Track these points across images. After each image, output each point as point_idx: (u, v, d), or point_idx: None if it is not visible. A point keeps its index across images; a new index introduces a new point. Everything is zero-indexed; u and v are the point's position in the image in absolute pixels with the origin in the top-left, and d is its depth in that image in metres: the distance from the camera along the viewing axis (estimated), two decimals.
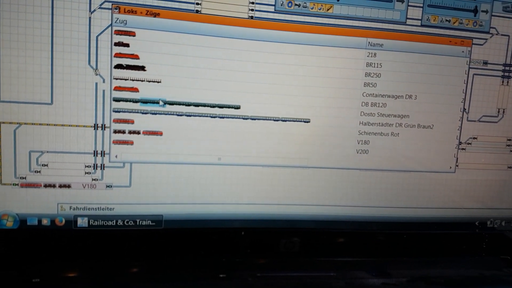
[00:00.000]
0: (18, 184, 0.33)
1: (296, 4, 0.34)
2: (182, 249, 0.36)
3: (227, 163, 0.35)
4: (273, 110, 0.35)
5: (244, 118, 0.35)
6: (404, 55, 0.36)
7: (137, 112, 0.33)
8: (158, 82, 0.33)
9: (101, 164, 0.34)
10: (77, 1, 0.31)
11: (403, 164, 0.38)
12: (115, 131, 0.33)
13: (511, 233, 0.41)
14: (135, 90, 0.33)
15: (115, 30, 0.32)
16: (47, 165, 0.33)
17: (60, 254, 0.34)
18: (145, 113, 0.34)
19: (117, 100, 0.33)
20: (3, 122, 0.32)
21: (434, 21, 0.37)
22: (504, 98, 0.39)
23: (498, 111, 0.39)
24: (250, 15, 0.34)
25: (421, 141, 0.38)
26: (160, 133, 0.34)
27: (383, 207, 0.38)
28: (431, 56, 0.37)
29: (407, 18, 0.36)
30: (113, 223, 0.34)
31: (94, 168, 0.33)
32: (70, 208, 0.34)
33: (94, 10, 0.32)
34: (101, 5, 0.32)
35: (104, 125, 0.33)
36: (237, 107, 0.35)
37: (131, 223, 0.35)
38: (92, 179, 0.34)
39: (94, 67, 0.32)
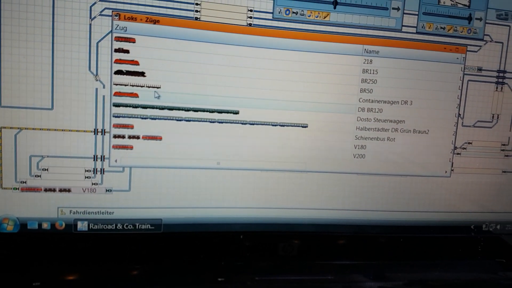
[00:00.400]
0: (18, 188, 0.33)
1: (293, 12, 0.35)
2: (181, 252, 0.36)
3: (226, 167, 0.36)
4: (271, 115, 0.36)
5: (242, 123, 0.35)
6: (399, 61, 0.37)
7: (137, 117, 0.34)
8: (157, 87, 0.34)
9: (101, 169, 0.34)
10: (78, 8, 0.32)
11: (399, 169, 0.39)
12: (115, 136, 0.34)
13: (506, 236, 0.42)
14: (135, 95, 0.34)
15: (115, 37, 0.33)
16: (47, 169, 0.33)
17: (60, 258, 0.35)
18: (145, 118, 0.34)
19: (117, 105, 0.33)
20: (4, 127, 0.32)
21: (429, 28, 0.37)
22: (498, 104, 0.40)
23: (493, 117, 0.40)
24: (249, 22, 0.34)
25: (417, 146, 0.38)
26: (160, 138, 0.34)
27: (380, 211, 0.39)
28: (427, 62, 0.37)
29: (402, 26, 0.37)
30: (112, 227, 0.35)
31: (94, 173, 0.34)
32: (70, 212, 0.34)
33: (95, 17, 0.32)
34: (101, 12, 0.32)
35: (104, 130, 0.33)
36: (236, 112, 0.35)
37: (130, 227, 0.35)
38: (92, 184, 0.34)
39: (95, 73, 0.33)
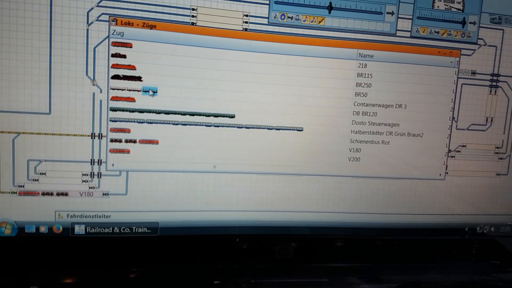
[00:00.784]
0: (16, 192, 0.33)
1: (289, 17, 0.35)
2: (177, 256, 0.37)
3: (222, 171, 0.36)
4: (267, 119, 0.36)
5: (238, 127, 0.36)
6: (394, 65, 0.37)
7: (134, 121, 0.34)
8: (154, 92, 0.34)
9: (98, 173, 0.34)
10: (75, 13, 0.32)
11: (394, 172, 0.39)
12: (111, 140, 0.34)
13: (500, 238, 0.42)
14: (131, 100, 0.34)
15: (112, 42, 0.33)
16: (45, 173, 0.33)
17: (58, 261, 0.35)
18: (141, 122, 0.34)
19: (114, 109, 0.34)
20: (2, 132, 0.32)
21: (423, 32, 0.38)
22: (492, 107, 0.40)
23: (486, 120, 0.40)
24: (244, 27, 0.35)
25: (411, 149, 0.39)
26: (156, 142, 0.35)
27: (375, 214, 0.39)
28: (421, 66, 0.38)
29: (397, 30, 0.37)
30: (109, 230, 0.35)
31: (91, 177, 0.34)
32: (68, 215, 0.34)
33: (92, 22, 0.32)
34: (98, 17, 0.32)
35: (101, 134, 0.34)
36: (232, 116, 0.36)
37: (127, 230, 0.35)
38: (89, 187, 0.34)
39: (92, 77, 0.33)
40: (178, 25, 0.34)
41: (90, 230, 0.35)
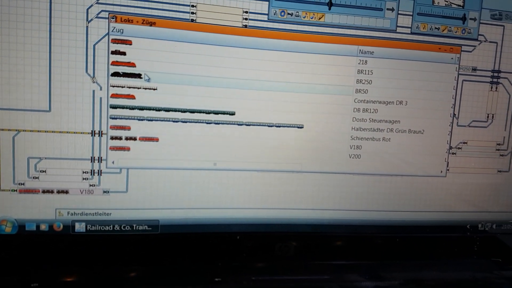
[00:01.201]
0: (16, 190, 0.33)
1: (288, 13, 0.35)
2: (178, 253, 0.37)
3: (222, 168, 0.36)
4: (267, 116, 0.36)
5: (239, 124, 0.36)
6: (394, 62, 0.37)
7: (134, 119, 0.34)
8: (154, 89, 0.34)
9: (98, 170, 0.34)
10: (74, 10, 0.32)
11: (395, 169, 0.39)
12: (112, 138, 0.34)
13: (502, 236, 0.42)
14: (131, 97, 0.34)
15: (112, 39, 0.33)
16: (45, 171, 0.33)
17: (58, 259, 0.35)
18: (142, 120, 0.34)
19: (114, 107, 0.34)
20: (2, 129, 0.32)
21: (423, 29, 0.37)
22: (493, 104, 0.40)
23: (488, 116, 0.40)
24: (244, 24, 0.35)
25: (412, 146, 0.39)
26: (156, 139, 0.35)
27: (376, 211, 0.39)
28: (421, 63, 0.38)
29: (397, 26, 0.37)
30: (110, 228, 0.35)
31: (91, 174, 0.34)
32: (68, 213, 0.34)
33: (91, 20, 0.32)
34: (98, 14, 0.32)
35: (101, 131, 0.34)
36: (232, 113, 0.35)
37: (128, 228, 0.35)
38: (90, 185, 0.34)
39: (91, 75, 0.33)
40: (178, 22, 0.34)
41: (91, 227, 0.35)
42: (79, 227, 0.34)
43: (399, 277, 0.39)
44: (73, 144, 0.33)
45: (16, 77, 0.32)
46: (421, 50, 0.38)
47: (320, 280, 0.37)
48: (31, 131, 0.33)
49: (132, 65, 0.33)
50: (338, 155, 0.38)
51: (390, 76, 0.37)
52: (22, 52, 0.32)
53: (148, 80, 0.34)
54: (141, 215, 0.35)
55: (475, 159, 0.40)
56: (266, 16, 0.35)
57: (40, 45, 0.32)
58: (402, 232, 0.40)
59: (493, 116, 0.40)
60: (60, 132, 0.33)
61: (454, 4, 0.38)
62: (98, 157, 0.34)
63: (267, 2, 0.35)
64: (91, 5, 0.32)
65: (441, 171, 0.40)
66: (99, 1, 0.32)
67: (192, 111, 0.35)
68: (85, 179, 0.34)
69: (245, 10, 0.34)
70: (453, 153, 0.40)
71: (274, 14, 0.35)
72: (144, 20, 0.33)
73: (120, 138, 0.34)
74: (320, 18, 0.36)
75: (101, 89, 0.33)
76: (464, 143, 0.40)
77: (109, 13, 0.33)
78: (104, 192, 0.34)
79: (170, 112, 0.34)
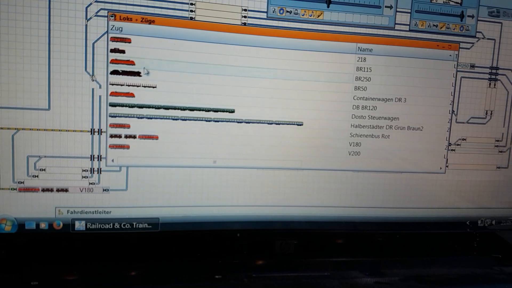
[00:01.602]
0: (16, 189, 0.33)
1: (287, 11, 0.35)
2: (178, 251, 0.37)
3: (222, 166, 0.36)
4: (266, 114, 0.36)
5: (238, 122, 0.36)
6: (393, 59, 0.37)
7: (133, 117, 0.34)
8: (153, 87, 0.34)
9: (98, 168, 0.34)
10: (73, 9, 0.32)
11: (394, 165, 0.39)
12: (111, 136, 0.34)
13: (501, 232, 0.42)
14: (131, 95, 0.34)
15: (111, 37, 0.33)
16: (44, 169, 0.33)
17: (58, 257, 0.35)
18: (141, 118, 0.34)
19: (113, 105, 0.34)
20: (1, 128, 0.32)
21: (422, 26, 0.38)
22: (491, 100, 0.40)
23: (486, 113, 0.40)
24: (243, 21, 0.35)
25: (412, 142, 0.39)
26: (156, 137, 0.35)
27: (375, 208, 0.39)
28: (420, 60, 0.38)
29: (395, 24, 0.37)
30: (110, 226, 0.35)
31: (91, 172, 0.34)
32: (68, 212, 0.34)
33: (91, 18, 0.32)
34: (97, 12, 0.32)
35: (101, 129, 0.34)
36: (232, 111, 0.35)
37: (128, 226, 0.35)
38: (89, 183, 0.34)
39: (91, 73, 0.33)
40: (177, 19, 0.34)
41: (91, 226, 0.35)
42: (79, 226, 0.34)
43: (400, 274, 0.39)
44: (73, 142, 0.33)
45: (15, 76, 0.32)
46: (420, 47, 0.38)
47: (321, 276, 0.37)
48: (30, 129, 0.33)
49: (131, 63, 0.33)
50: (338, 152, 0.38)
51: (389, 73, 0.38)
52: (21, 50, 0.32)
53: (147, 78, 0.34)
54: (141, 213, 0.35)
55: (474, 156, 0.40)
56: (265, 13, 0.35)
57: (39, 43, 0.32)
58: (402, 229, 0.40)
59: (491, 113, 0.40)
60: (59, 130, 0.33)
61: (452, 1, 0.38)
62: (98, 155, 0.34)
63: (266, 0, 0.35)
64: (90, 4, 0.32)
65: (440, 168, 0.40)
66: (98, 0, 0.32)
67: (192, 109, 0.35)
68: (84, 177, 0.34)
69: (244, 8, 0.34)
70: (452, 150, 0.40)
71: (273, 12, 0.35)
72: (143, 18, 0.33)
73: (120, 136, 0.34)
74: (318, 16, 0.36)
75: (100, 87, 0.33)
76: (463, 139, 0.40)
77: (108, 11, 0.33)
78: (104, 190, 0.34)
79: (170, 110, 0.34)
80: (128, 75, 0.34)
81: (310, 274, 0.37)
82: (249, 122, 0.36)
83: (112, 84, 0.33)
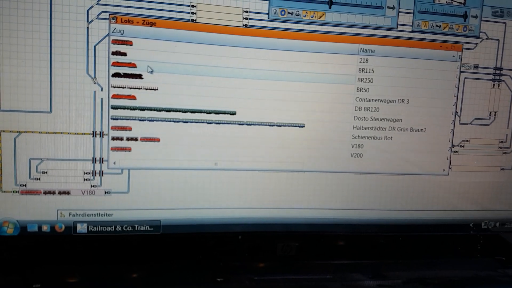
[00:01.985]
0: (18, 192, 0.33)
1: (289, 12, 0.35)
2: (180, 253, 0.37)
3: (223, 168, 0.36)
4: (268, 116, 0.36)
5: (239, 124, 0.36)
6: (395, 60, 0.37)
7: (135, 119, 0.34)
8: (155, 89, 0.34)
9: (99, 171, 0.34)
10: (75, 11, 0.32)
11: (397, 167, 0.39)
12: (113, 138, 0.34)
13: (505, 234, 0.42)
14: (132, 97, 0.34)
15: (113, 40, 0.33)
16: (46, 172, 0.33)
17: (60, 260, 0.35)
18: (143, 120, 0.34)
19: (115, 107, 0.34)
20: (4, 131, 0.32)
21: (424, 26, 0.37)
22: (495, 101, 0.40)
23: (490, 114, 0.40)
24: (244, 23, 0.34)
25: (414, 144, 0.39)
26: (158, 140, 0.35)
27: (378, 210, 0.39)
28: (423, 61, 0.38)
29: (398, 24, 0.37)
30: (112, 228, 0.35)
31: (93, 175, 0.34)
32: (70, 214, 0.34)
33: (92, 21, 0.32)
34: (98, 15, 0.32)
35: (102, 132, 0.34)
36: (233, 113, 0.35)
37: (129, 228, 0.35)
38: (91, 186, 0.34)
39: (92, 76, 0.33)
40: (178, 22, 0.34)
41: (92, 228, 0.35)
42: (81, 228, 0.34)
43: (403, 276, 0.38)
44: (75, 145, 0.33)
45: (17, 79, 0.32)
46: (423, 48, 0.37)
47: (323, 279, 0.37)
48: (32, 132, 0.33)
49: (133, 65, 0.33)
50: (340, 154, 0.38)
51: (391, 74, 0.37)
52: (23, 53, 0.32)
53: (149, 80, 0.34)
54: (142, 215, 0.35)
55: (477, 157, 0.40)
56: (267, 15, 0.35)
57: (41, 46, 0.32)
58: (405, 231, 0.40)
59: (495, 114, 0.40)
60: (61, 133, 0.33)
61: (455, 1, 0.37)
62: (100, 158, 0.34)
63: (267, 2, 0.35)
64: (92, 6, 0.32)
65: (444, 170, 0.40)
66: (100, 2, 0.32)
67: (193, 111, 0.35)
68: (86, 180, 0.34)
69: (245, 10, 0.34)
70: (455, 151, 0.39)
71: (274, 14, 0.35)
72: (144, 20, 0.33)
73: (121, 139, 0.34)
74: (320, 17, 0.35)
75: (102, 90, 0.33)
76: (467, 141, 0.40)
77: (109, 14, 0.33)
78: (105, 192, 0.34)
79: (171, 113, 0.34)
80: (129, 77, 0.34)
81: (312, 277, 0.37)
82: (250, 124, 0.36)
83: (114, 87, 0.33)
